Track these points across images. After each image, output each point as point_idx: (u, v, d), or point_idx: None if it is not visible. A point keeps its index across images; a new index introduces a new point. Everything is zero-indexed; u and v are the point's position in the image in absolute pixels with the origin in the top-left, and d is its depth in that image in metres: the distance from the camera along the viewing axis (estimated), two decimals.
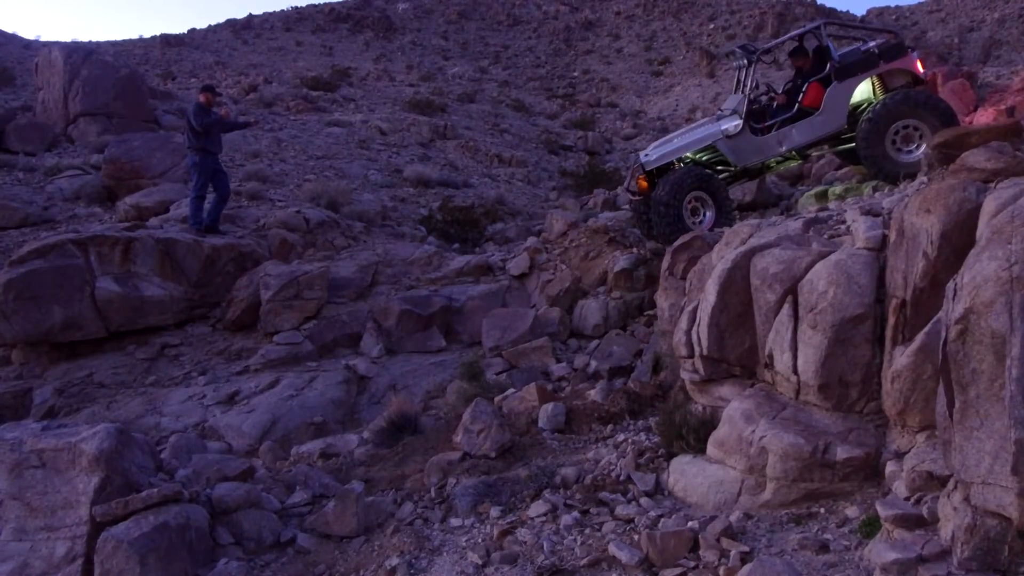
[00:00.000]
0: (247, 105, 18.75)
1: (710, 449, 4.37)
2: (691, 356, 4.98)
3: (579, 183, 16.95)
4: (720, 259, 4.96)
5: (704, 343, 4.86)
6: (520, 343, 7.43)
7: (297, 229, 9.76)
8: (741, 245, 5.03)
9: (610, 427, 5.23)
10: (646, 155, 7.77)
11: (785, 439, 3.93)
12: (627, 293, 7.78)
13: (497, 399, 5.87)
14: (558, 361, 7.15)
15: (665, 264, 6.26)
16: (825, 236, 4.67)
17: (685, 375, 5.06)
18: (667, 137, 8.26)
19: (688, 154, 7.65)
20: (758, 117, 7.65)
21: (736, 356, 4.73)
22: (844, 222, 4.74)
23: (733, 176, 7.80)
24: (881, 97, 7.17)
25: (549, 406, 5.46)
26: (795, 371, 4.16)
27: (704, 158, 7.73)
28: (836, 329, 3.98)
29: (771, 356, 4.54)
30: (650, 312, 7.42)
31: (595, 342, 7.43)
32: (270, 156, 14.07)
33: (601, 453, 4.80)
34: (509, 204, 14.77)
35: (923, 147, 6.84)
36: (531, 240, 9.54)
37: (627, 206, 9.55)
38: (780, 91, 7.89)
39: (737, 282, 4.67)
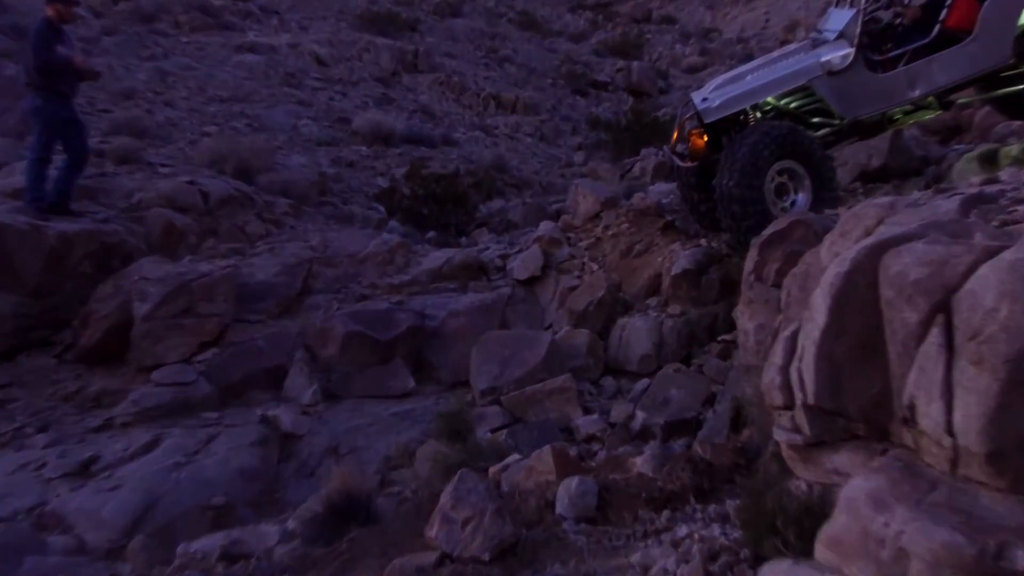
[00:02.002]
0: (116, 20, 18.76)
1: (820, 550, 4.32)
2: (790, 406, 4.94)
3: (618, 139, 16.99)
4: (834, 258, 4.94)
5: (810, 386, 4.83)
6: (528, 383, 7.40)
7: (190, 209, 9.78)
8: (866, 236, 5.01)
9: (666, 515, 5.16)
10: (705, 99, 7.75)
11: (936, 536, 3.87)
12: (692, 308, 7.81)
13: (493, 470, 5.84)
14: (587, 412, 7.13)
15: (749, 265, 6.23)
16: (994, 223, 4.64)
17: (781, 435, 5.02)
18: (737, 71, 8.28)
19: (769, 99, 7.67)
20: (877, 43, 7.65)
21: (859, 407, 4.69)
22: None
23: (837, 134, 7.82)
24: None
25: (573, 482, 5.40)
26: (950, 430, 4.11)
27: (793, 105, 7.78)
28: (1012, 367, 3.93)
29: (912, 407, 4.50)
30: (727, 337, 7.40)
31: (643, 382, 7.42)
32: (150, 97, 14.09)
33: (652, 555, 4.75)
34: (512, 171, 14.81)
35: None
36: (546, 226, 9.53)
37: (674, 177, 9.54)
38: (910, 2, 7.89)
39: (860, 293, 4.64)
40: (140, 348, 7.98)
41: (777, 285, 5.85)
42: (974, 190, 5.39)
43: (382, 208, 11.94)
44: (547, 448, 5.82)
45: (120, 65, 14.81)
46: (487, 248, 9.70)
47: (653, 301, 8.07)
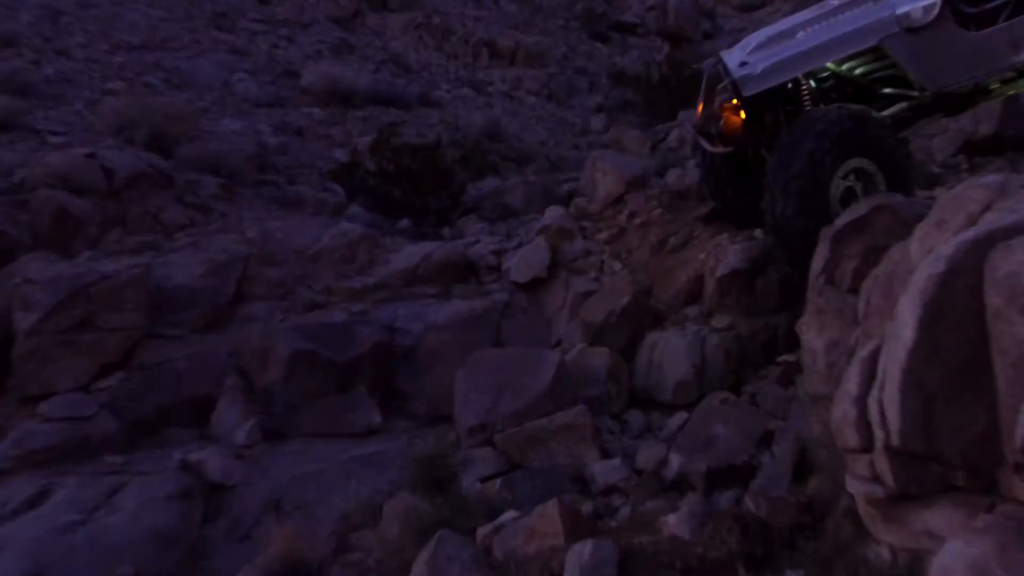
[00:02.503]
0: None
1: None
2: (868, 449, 4.99)
3: (650, 99, 17.09)
4: (927, 255, 4.98)
5: (894, 423, 4.86)
6: (529, 418, 7.41)
7: (89, 190, 9.80)
8: (968, 226, 5.06)
9: None
10: (743, 63, 7.71)
11: None
12: (743, 319, 7.86)
13: (482, 532, 5.86)
14: (606, 455, 7.16)
15: (818, 263, 6.28)
16: None
17: (857, 487, 5.06)
18: (786, 23, 8.23)
19: (830, 64, 7.60)
20: None
21: (958, 449, 4.72)
22: None
23: (916, 108, 7.79)
24: None
25: (586, 547, 5.43)
26: None
27: (858, 72, 7.75)
28: None
29: None
30: (788, 358, 7.47)
31: (679, 417, 7.46)
32: (37, 45, 14.13)
33: None
34: (511, 140, 14.86)
35: None
36: (554, 212, 9.57)
37: (699, 165, 9.39)
38: None
39: (959, 301, 4.67)
40: (23, 372, 7.97)
41: (854, 290, 5.91)
42: None
43: (340, 189, 11.97)
44: (553, 503, 5.81)
45: (1, 5, 14.87)
46: (477, 241, 9.72)
47: (693, 311, 8.10)
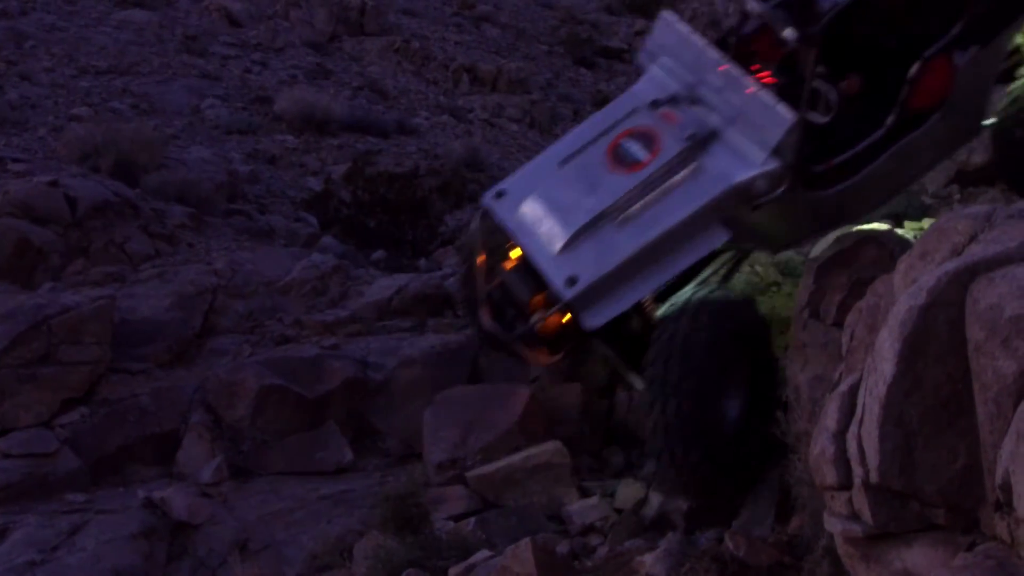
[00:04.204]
0: None
1: None
2: (846, 486, 5.04)
3: None
4: (910, 286, 5.04)
5: (873, 459, 4.90)
6: (499, 452, 7.47)
7: (51, 219, 9.80)
8: (952, 257, 5.10)
9: None
10: (570, 281, 6.35)
11: None
12: None
13: (454, 571, 5.91)
14: (584, 494, 7.21)
15: (803, 296, 6.31)
16: None
17: (835, 525, 5.10)
18: (584, 193, 6.73)
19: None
20: (816, 147, 6.67)
21: (938, 486, 4.76)
22: None
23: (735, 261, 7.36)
24: None
25: None
26: None
27: None
28: None
29: (1007, 487, 4.59)
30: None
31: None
32: (1, 68, 14.17)
33: None
34: (492, 169, 14.90)
35: None
36: None
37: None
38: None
39: (939, 336, 4.71)
40: None
41: (839, 323, 5.90)
42: None
43: (313, 219, 12.00)
44: (526, 542, 5.79)
45: None
46: (454, 273, 9.74)
47: None
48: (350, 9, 19.87)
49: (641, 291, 6.46)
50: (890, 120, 6.66)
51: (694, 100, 6.69)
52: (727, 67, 6.65)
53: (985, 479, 4.56)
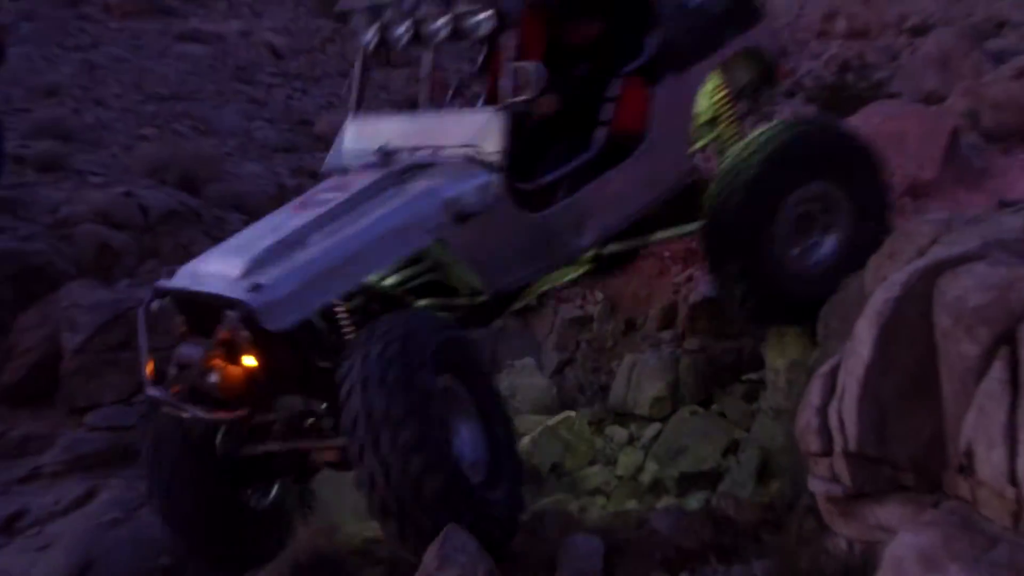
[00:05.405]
0: (35, 2, 18.56)
1: None
2: (828, 453, 5.06)
3: None
4: (881, 283, 5.22)
5: (852, 430, 4.93)
6: None
7: (126, 225, 10.15)
8: (918, 257, 5.26)
9: None
10: (254, 287, 5.13)
11: None
12: (713, 342, 8.15)
13: None
14: (590, 463, 7.78)
15: None
16: None
17: (818, 486, 4.96)
18: (278, 226, 5.88)
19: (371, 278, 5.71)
20: (523, 160, 6.18)
21: (908, 453, 4.79)
22: None
23: (465, 319, 6.20)
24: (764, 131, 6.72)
25: (576, 541, 5.66)
26: (1013, 479, 4.18)
27: (391, 282, 6.00)
28: None
29: (970, 453, 4.47)
30: (753, 375, 7.76)
31: (654, 427, 7.94)
32: (77, 94, 14.54)
33: None
34: None
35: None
36: None
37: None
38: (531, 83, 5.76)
39: (911, 323, 4.75)
40: (71, 387, 8.26)
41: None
42: None
43: None
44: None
45: (41, 56, 15.16)
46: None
47: (667, 335, 8.46)
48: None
49: (328, 296, 5.42)
50: (597, 140, 6.29)
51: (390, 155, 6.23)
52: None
53: (948, 447, 4.66)
